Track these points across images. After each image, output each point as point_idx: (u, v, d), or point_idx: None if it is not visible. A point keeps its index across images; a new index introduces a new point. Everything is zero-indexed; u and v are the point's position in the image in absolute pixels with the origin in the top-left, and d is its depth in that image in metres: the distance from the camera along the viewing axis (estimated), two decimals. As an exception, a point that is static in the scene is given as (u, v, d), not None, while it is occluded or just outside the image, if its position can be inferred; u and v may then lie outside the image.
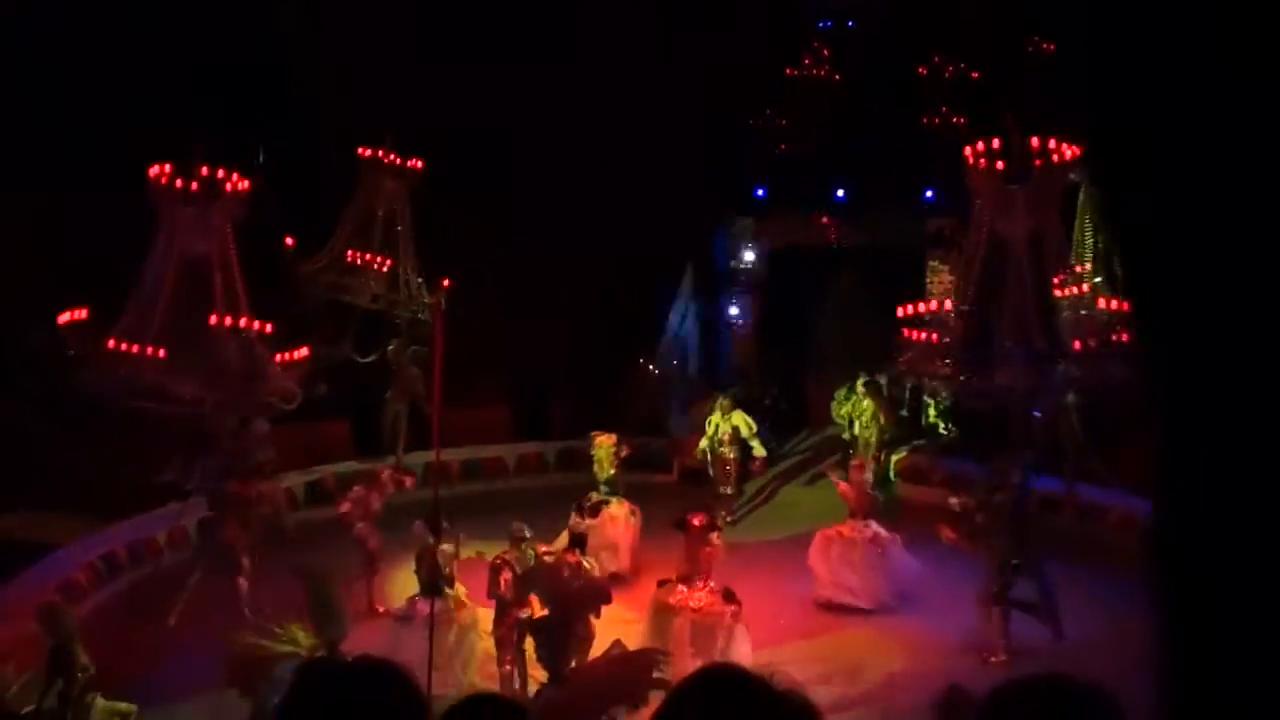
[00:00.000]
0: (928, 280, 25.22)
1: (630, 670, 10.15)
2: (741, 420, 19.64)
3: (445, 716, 3.43)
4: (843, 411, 21.43)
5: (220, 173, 14.43)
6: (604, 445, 17.48)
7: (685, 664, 11.70)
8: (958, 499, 14.96)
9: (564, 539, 14.20)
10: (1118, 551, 17.45)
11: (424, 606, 12.40)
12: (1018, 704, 2.34)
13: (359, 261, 19.51)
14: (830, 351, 25.29)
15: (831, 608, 15.72)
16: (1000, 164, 15.22)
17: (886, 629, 15.00)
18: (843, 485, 16.66)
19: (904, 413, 22.98)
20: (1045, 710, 2.31)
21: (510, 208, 22.10)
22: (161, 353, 13.69)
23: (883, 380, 22.94)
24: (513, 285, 21.92)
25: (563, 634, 10.97)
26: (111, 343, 13.66)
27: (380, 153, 19.80)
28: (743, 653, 12.85)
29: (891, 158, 24.05)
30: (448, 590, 13.07)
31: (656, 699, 2.39)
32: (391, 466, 17.78)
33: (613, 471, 17.39)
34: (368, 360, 20.29)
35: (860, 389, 21.82)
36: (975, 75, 24.59)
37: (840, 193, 25.30)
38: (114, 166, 15.68)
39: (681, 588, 13.37)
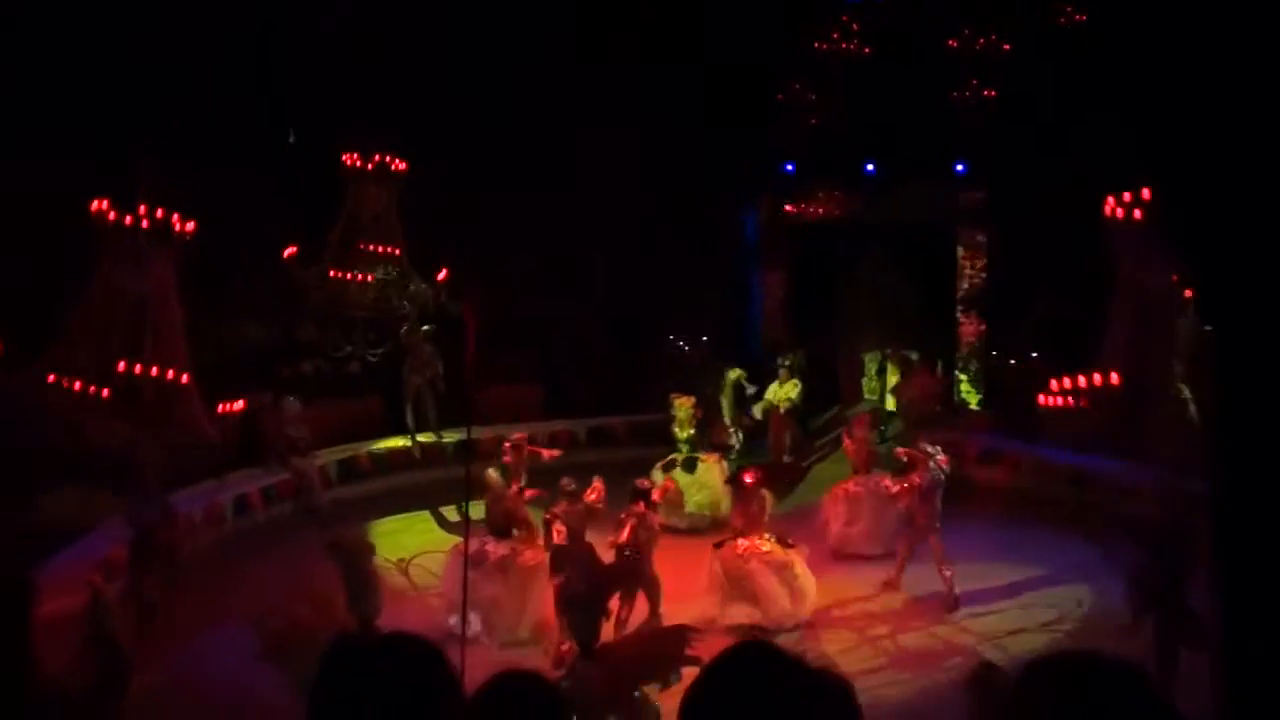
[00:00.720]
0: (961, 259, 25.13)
1: (662, 647, 10.22)
2: (795, 390, 20.31)
3: (478, 694, 3.46)
4: (874, 385, 21.45)
5: (165, 214, 14.00)
6: (684, 407, 18.51)
7: (776, 606, 13.69)
8: None
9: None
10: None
11: (494, 549, 13.68)
12: (1051, 681, 2.34)
13: (346, 276, 19.62)
14: (860, 326, 25.25)
15: (843, 557, 16.48)
16: (1139, 213, 14.58)
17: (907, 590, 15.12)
18: (847, 441, 17.39)
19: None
20: (1078, 687, 2.31)
21: (539, 184, 22.05)
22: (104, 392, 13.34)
23: (913, 355, 22.97)
24: (542, 262, 21.94)
25: (595, 610, 11.02)
26: (51, 377, 13.30)
27: (360, 159, 19.90)
28: (812, 588, 14.15)
29: (921, 131, 23.91)
30: (515, 532, 14.06)
31: (689, 675, 2.40)
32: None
33: (692, 431, 18.43)
34: (379, 354, 20.36)
35: (890, 364, 21.90)
36: (1006, 48, 24.36)
37: (870, 167, 25.15)
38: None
39: (742, 541, 14.18)
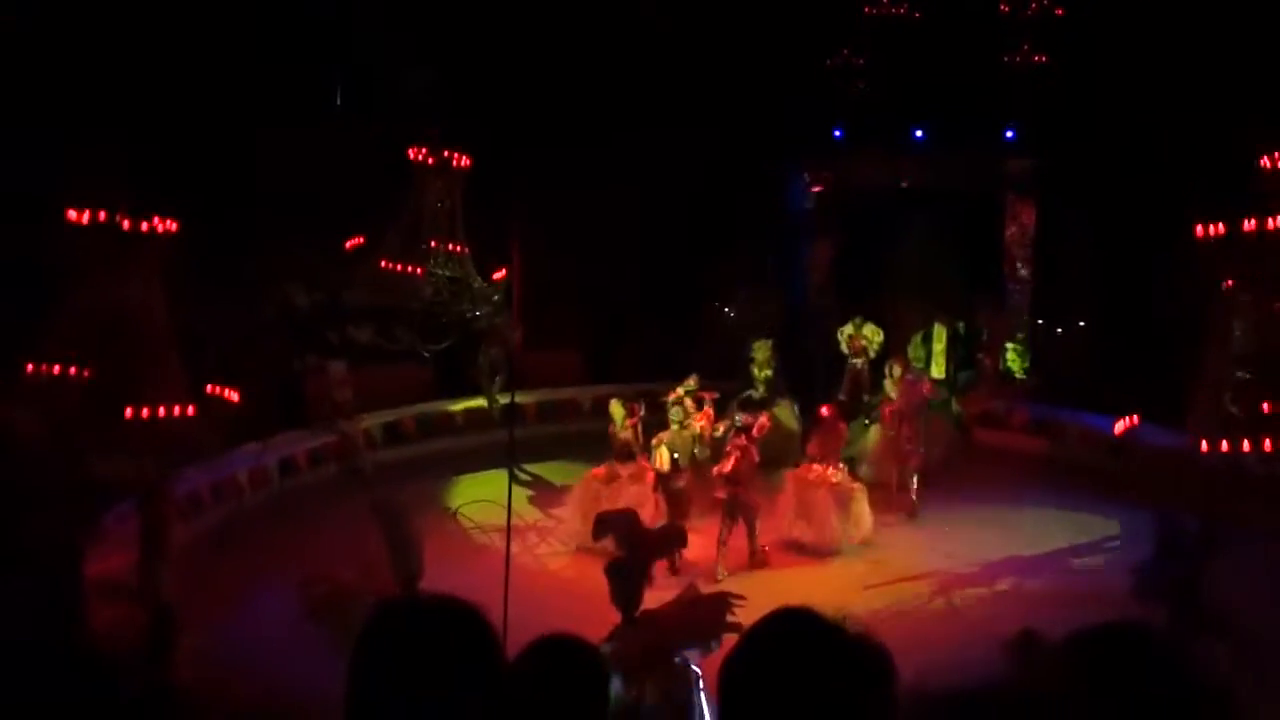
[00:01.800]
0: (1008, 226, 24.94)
1: (703, 614, 10.21)
2: (873, 331, 20.63)
3: (521, 656, 3.48)
4: (919, 353, 21.38)
5: (148, 222, 13.45)
6: (762, 350, 20.18)
7: (829, 531, 15.45)
8: None
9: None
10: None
11: (623, 469, 16.01)
12: (1095, 649, 2.33)
13: (409, 269, 19.59)
14: (906, 293, 25.14)
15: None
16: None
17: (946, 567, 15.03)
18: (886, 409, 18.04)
19: (981, 356, 22.85)
20: (1122, 658, 2.29)
21: (583, 149, 22.03)
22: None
23: (960, 324, 22.87)
24: (586, 228, 21.91)
25: (638, 577, 11.04)
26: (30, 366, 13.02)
27: (426, 153, 19.60)
28: (868, 521, 15.85)
29: (971, 97, 23.71)
30: (636, 453, 16.08)
31: (729, 643, 2.40)
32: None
33: (769, 373, 19.93)
34: (440, 349, 20.39)
35: (937, 330, 21.83)
36: (1059, 12, 24.07)
37: (918, 133, 24.97)
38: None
39: (816, 467, 15.89)
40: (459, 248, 19.24)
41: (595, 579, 11.00)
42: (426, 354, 20.16)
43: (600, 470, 16.33)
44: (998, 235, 25.10)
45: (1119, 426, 15.90)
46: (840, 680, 2.22)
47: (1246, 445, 12.79)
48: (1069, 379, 20.74)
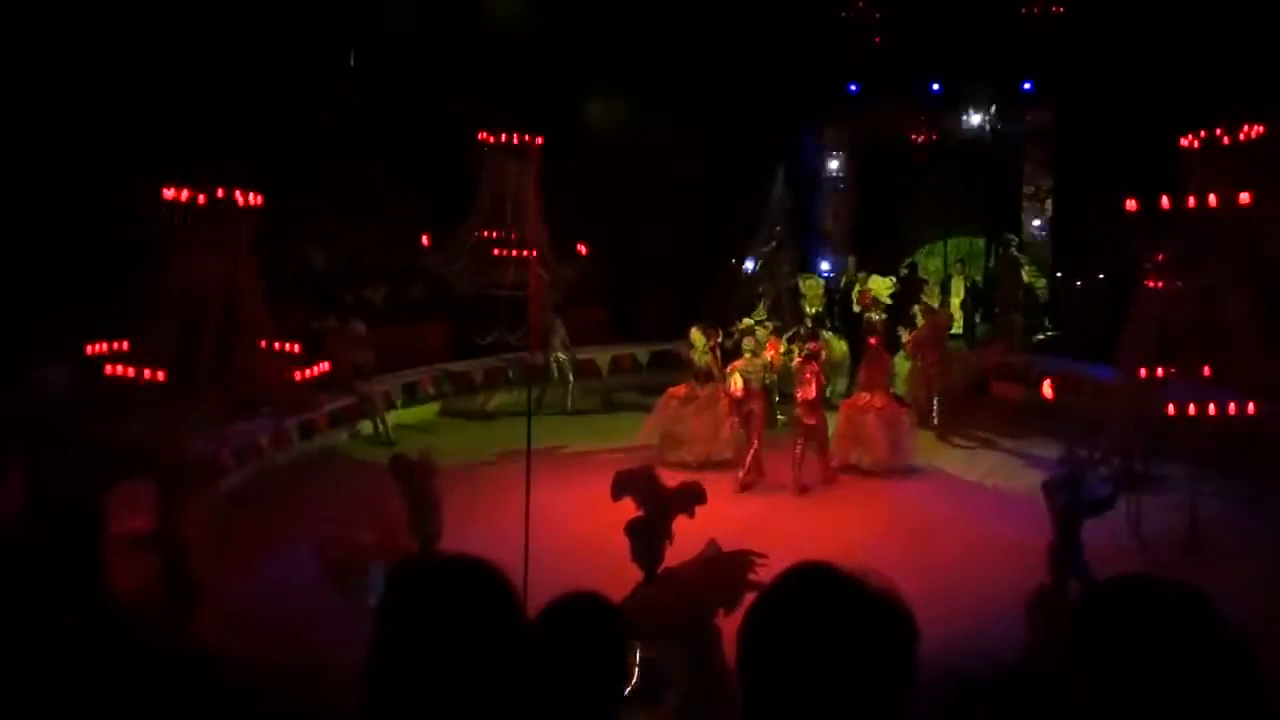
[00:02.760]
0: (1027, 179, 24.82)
1: (725, 572, 10.23)
2: (880, 284, 20.20)
3: (543, 613, 3.48)
4: (934, 302, 21.32)
5: (234, 193, 13.81)
6: (813, 287, 21.28)
7: (879, 452, 16.91)
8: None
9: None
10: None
11: (700, 391, 17.63)
12: (1112, 603, 2.31)
13: (496, 253, 19.74)
14: (924, 246, 25.10)
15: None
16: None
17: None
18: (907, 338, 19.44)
19: (996, 310, 22.76)
20: (1141, 609, 2.27)
21: (599, 110, 21.98)
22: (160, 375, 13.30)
23: (976, 277, 22.82)
24: (608, 187, 21.85)
25: (659, 535, 11.05)
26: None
27: (500, 135, 19.76)
28: (912, 446, 17.23)
29: (988, 49, 23.55)
30: (716, 377, 17.48)
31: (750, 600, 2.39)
32: None
33: (820, 308, 20.98)
34: (520, 335, 20.45)
35: (955, 281, 21.88)
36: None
37: (935, 86, 24.79)
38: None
39: (865, 394, 17.40)
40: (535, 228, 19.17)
41: (617, 537, 11.03)
42: (516, 343, 20.52)
43: (680, 389, 17.87)
44: (1016, 188, 24.97)
45: (1046, 388, 17.15)
46: (859, 637, 2.21)
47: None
48: (1087, 332, 20.63)
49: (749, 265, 22.32)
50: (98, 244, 17.55)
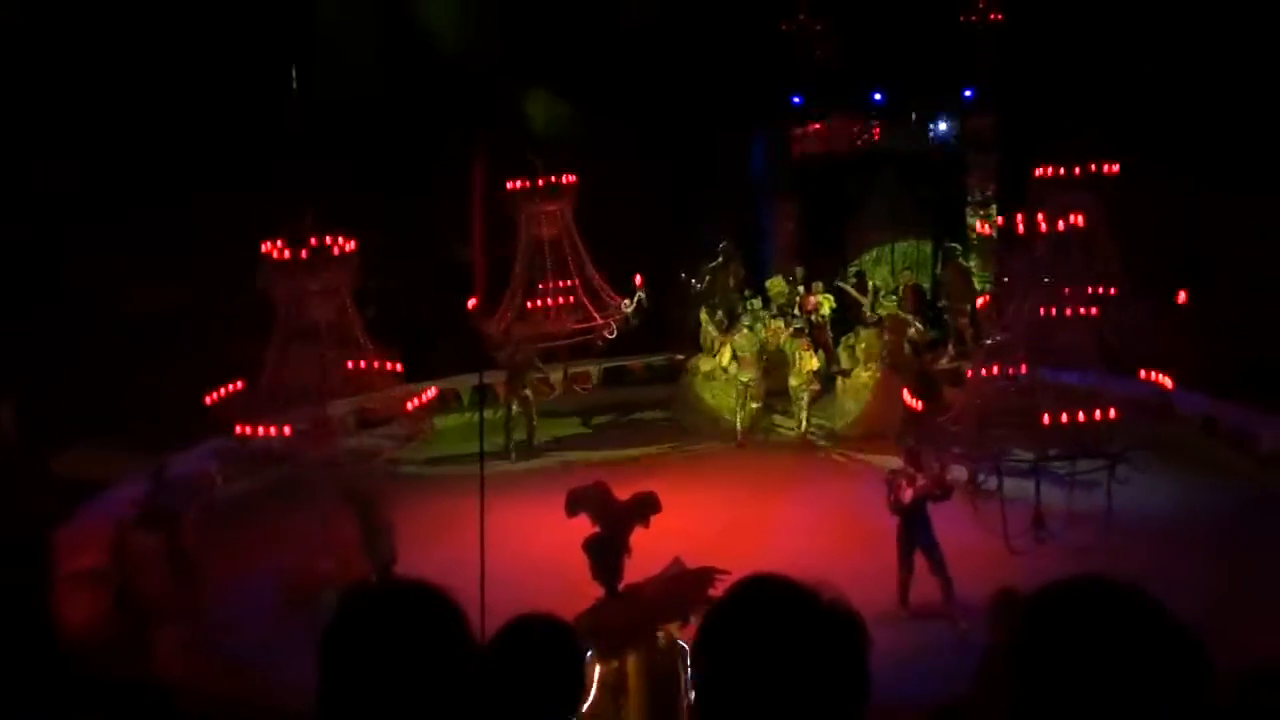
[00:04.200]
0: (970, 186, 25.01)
1: (686, 588, 10.26)
2: (827, 301, 21.79)
3: (497, 636, 3.48)
4: (883, 311, 21.47)
5: (327, 239, 14.33)
6: (776, 284, 22.12)
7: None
8: None
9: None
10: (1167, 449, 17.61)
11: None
12: (1061, 605, 2.33)
13: (541, 304, 19.23)
14: (871, 254, 25.26)
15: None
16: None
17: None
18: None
19: (947, 315, 22.88)
20: (1089, 610, 2.29)
21: (541, 122, 21.98)
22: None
23: (924, 285, 22.96)
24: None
25: (616, 550, 11.06)
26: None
27: (531, 181, 19.02)
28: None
29: (929, 58, 23.71)
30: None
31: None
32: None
33: (785, 303, 21.69)
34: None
35: (902, 291, 22.01)
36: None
37: (878, 96, 24.96)
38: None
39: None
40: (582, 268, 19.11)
41: (576, 555, 11.04)
42: (584, 390, 21.10)
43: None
44: (960, 194, 25.15)
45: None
46: (812, 649, 2.22)
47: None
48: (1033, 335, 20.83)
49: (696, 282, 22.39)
50: None
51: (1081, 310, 15.05)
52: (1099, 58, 21.02)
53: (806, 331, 20.20)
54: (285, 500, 16.32)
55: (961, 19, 24.25)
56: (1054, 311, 14.84)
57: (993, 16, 24.22)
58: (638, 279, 19.64)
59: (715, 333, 20.40)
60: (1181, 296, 16.26)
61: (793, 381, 19.48)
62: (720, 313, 20.86)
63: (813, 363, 19.27)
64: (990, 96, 24.28)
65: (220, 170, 19.28)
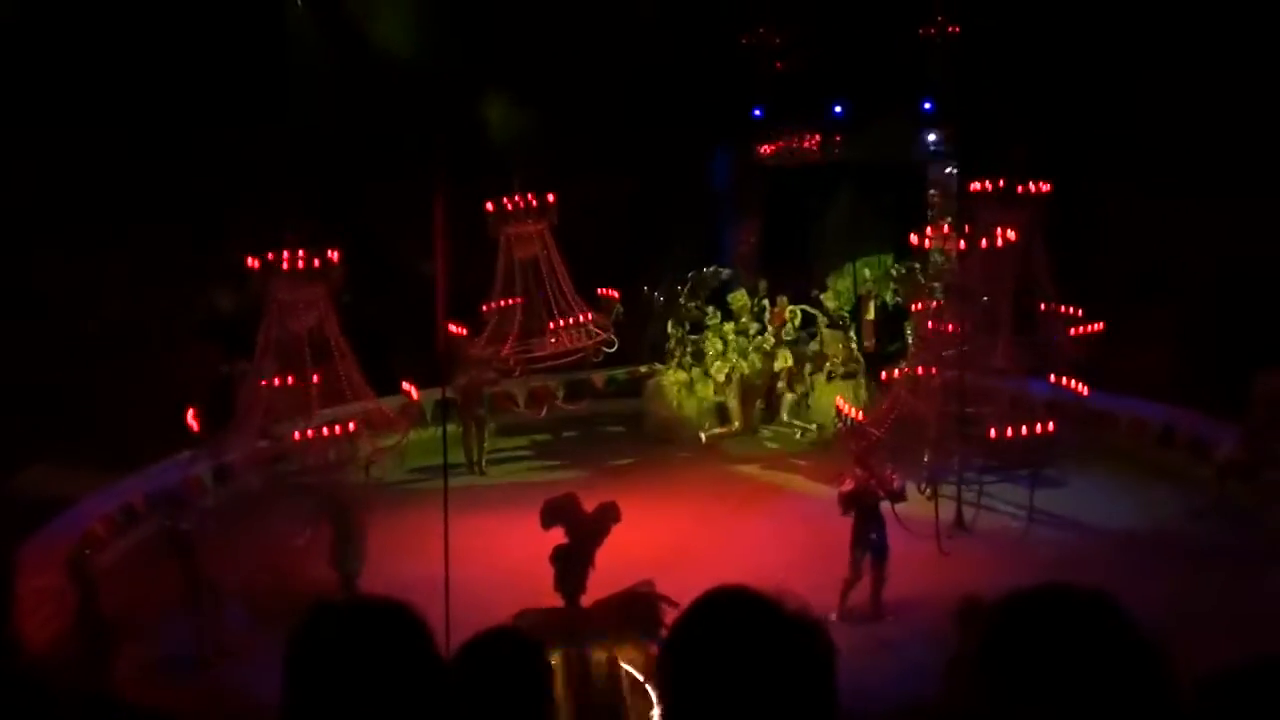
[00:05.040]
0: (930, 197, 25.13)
1: (637, 610, 10.44)
2: (795, 315, 21.79)
3: (463, 651, 3.46)
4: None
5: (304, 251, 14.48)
6: (738, 299, 21.92)
7: None
8: None
9: None
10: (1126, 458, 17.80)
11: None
12: (1025, 614, 2.35)
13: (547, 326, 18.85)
14: (833, 267, 25.31)
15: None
16: None
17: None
18: None
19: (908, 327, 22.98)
20: (1054, 618, 2.32)
21: (500, 140, 21.97)
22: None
23: (887, 297, 23.04)
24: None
25: (581, 562, 11.12)
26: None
27: (511, 200, 18.65)
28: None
29: (888, 71, 23.83)
30: None
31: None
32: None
33: (748, 318, 21.65)
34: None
35: (865, 303, 22.18)
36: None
37: (838, 108, 25.06)
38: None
39: None
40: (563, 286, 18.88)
41: (540, 569, 11.07)
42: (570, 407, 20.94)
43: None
44: (920, 206, 25.26)
45: None
46: (777, 659, 2.23)
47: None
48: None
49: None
50: None
51: (1010, 322, 15.78)
52: (1054, 70, 21.24)
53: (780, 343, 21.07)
54: (242, 518, 16.19)
55: (920, 32, 24.38)
56: (984, 321, 15.51)
57: (950, 29, 24.36)
58: (614, 294, 19.61)
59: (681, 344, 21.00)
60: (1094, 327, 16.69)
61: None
62: (686, 324, 21.23)
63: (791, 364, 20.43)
64: (948, 109, 24.41)
65: (182, 184, 19.23)
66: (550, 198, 18.73)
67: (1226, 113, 19.22)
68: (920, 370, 16.19)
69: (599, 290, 19.56)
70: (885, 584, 13.28)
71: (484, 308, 18.80)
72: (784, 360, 20.62)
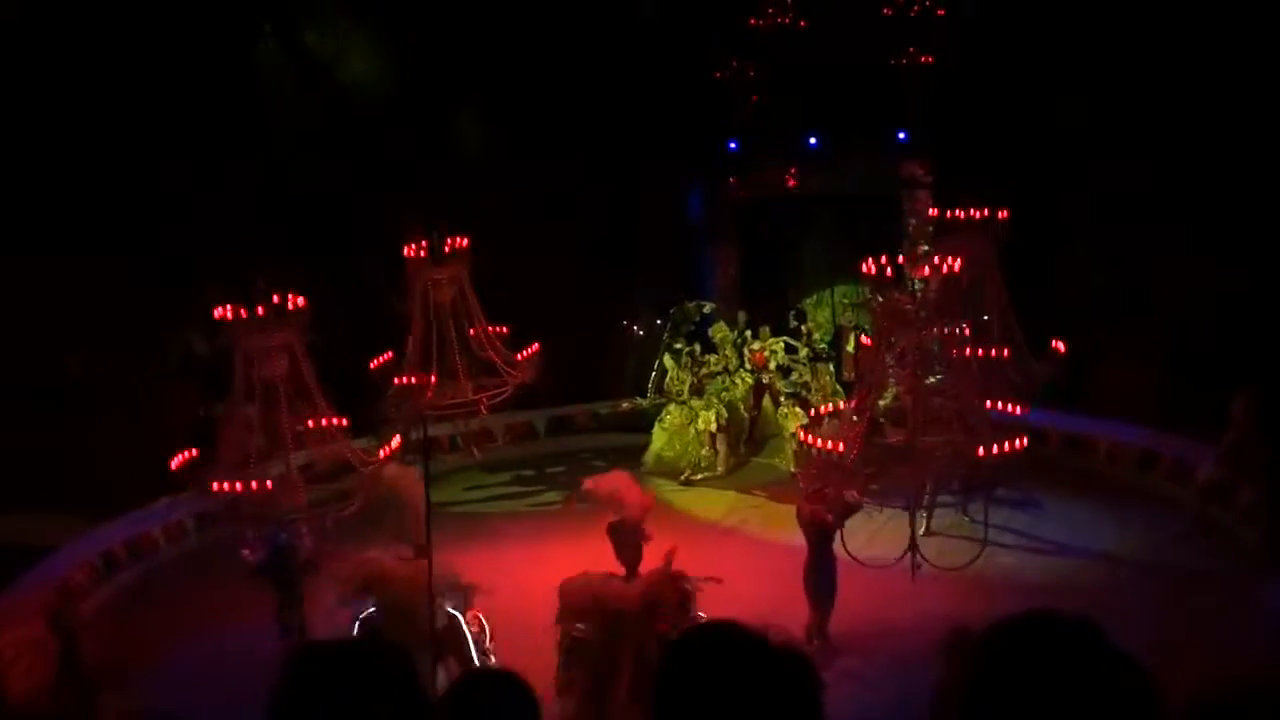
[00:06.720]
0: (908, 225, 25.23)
1: (661, 593, 11.05)
2: (776, 353, 21.57)
3: (451, 692, 3.44)
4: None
5: (277, 298, 14.37)
6: (720, 329, 21.71)
7: None
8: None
9: None
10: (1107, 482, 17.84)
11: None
12: (1011, 644, 2.35)
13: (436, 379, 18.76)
14: (811, 298, 25.37)
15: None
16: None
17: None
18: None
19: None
20: (1040, 646, 2.32)
21: (481, 176, 21.97)
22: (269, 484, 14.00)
23: (864, 328, 23.12)
24: (493, 250, 21.75)
25: (633, 533, 12.12)
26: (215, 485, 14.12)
27: (424, 247, 18.61)
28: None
29: (862, 102, 23.97)
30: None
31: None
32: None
33: (729, 351, 21.38)
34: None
35: (845, 335, 22.19)
36: (940, 12, 24.40)
37: (813, 140, 25.17)
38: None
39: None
40: (491, 329, 19.02)
41: (532, 605, 11.08)
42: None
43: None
44: (898, 237, 25.36)
45: None
46: (764, 690, 2.23)
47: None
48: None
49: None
50: None
51: (963, 350, 16.19)
52: (1025, 98, 21.44)
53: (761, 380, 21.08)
54: (225, 563, 16.07)
55: (892, 62, 24.54)
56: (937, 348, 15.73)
57: (923, 59, 24.54)
58: (533, 347, 19.55)
59: (685, 377, 20.66)
60: (1060, 347, 16.93)
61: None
62: (684, 357, 20.88)
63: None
64: (921, 139, 24.56)
65: (145, 231, 19.23)
66: (463, 242, 18.70)
67: (1198, 134, 19.39)
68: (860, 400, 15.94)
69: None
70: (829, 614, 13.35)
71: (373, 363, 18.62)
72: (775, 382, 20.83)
